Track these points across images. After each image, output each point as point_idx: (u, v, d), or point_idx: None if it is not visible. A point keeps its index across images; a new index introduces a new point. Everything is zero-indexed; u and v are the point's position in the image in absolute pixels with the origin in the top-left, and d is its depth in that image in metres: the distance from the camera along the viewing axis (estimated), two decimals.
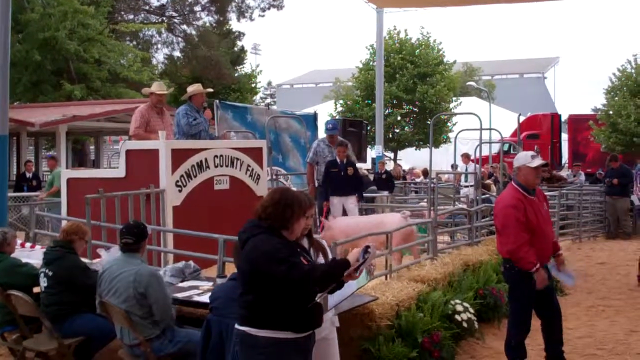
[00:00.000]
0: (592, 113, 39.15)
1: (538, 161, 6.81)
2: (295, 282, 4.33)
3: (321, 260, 5.24)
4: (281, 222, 4.54)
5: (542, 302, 6.99)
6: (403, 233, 9.87)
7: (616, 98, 30.29)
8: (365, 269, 4.64)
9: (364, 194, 15.47)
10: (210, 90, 12.63)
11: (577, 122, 34.50)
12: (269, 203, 4.60)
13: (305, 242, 5.10)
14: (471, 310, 8.21)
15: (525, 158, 6.87)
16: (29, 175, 18.26)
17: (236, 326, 4.58)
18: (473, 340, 8.31)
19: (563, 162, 35.63)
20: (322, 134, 22.04)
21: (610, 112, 30.06)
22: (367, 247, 4.67)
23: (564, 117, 38.95)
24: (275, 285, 4.37)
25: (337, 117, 35.42)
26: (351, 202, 12.16)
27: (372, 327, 6.83)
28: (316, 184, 12.41)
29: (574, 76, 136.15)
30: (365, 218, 11.60)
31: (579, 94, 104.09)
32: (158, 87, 11.12)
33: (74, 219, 8.98)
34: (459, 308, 8.05)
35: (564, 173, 25.89)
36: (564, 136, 37.11)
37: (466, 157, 21.33)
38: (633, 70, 30.56)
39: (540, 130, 35.34)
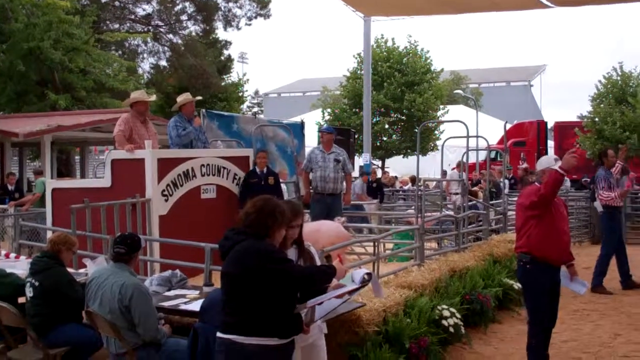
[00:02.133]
0: (578, 120, 39.27)
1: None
2: (296, 279, 4.47)
3: None
4: (264, 230, 4.57)
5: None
6: (338, 239, 9.49)
7: (602, 105, 30.35)
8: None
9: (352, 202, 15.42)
10: (200, 98, 12.60)
11: (563, 129, 34.64)
12: (252, 210, 4.63)
13: (291, 253, 5.11)
14: (458, 315, 8.23)
15: (549, 161, 7.16)
16: (11, 187, 18.13)
17: (220, 334, 4.55)
18: (460, 346, 8.33)
19: None
20: (309, 142, 22.08)
21: (596, 119, 30.12)
22: (368, 273, 4.71)
23: (550, 125, 39.11)
24: (267, 285, 4.40)
25: (325, 126, 35.47)
26: None
27: (359, 333, 6.82)
28: (311, 191, 12.34)
29: (560, 84, 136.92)
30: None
31: (565, 101, 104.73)
32: (141, 95, 11.06)
33: (59, 229, 8.95)
34: (446, 313, 8.07)
35: None
36: (550, 143, 37.25)
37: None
38: (619, 78, 30.65)
39: (527, 137, 35.50)
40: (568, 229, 7.20)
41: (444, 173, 19.78)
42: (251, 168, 11.75)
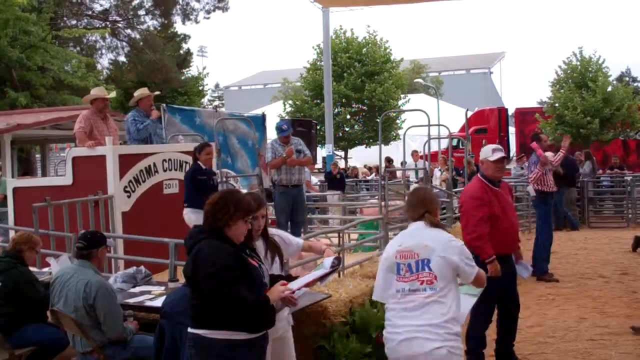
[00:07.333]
0: (539, 106, 39.64)
1: (497, 155, 6.92)
2: (222, 300, 4.29)
3: (277, 262, 5.26)
4: (217, 222, 4.51)
5: (504, 295, 6.98)
6: None
7: (562, 90, 30.64)
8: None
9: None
10: (158, 93, 12.49)
11: (524, 116, 34.93)
12: (209, 202, 4.62)
13: (259, 244, 5.13)
14: None
15: (487, 152, 7.00)
16: None
17: (189, 330, 4.54)
18: None
19: (511, 155, 36.11)
20: (271, 134, 22.02)
21: (557, 105, 30.40)
22: (337, 258, 4.72)
23: (510, 111, 39.43)
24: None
25: (286, 118, 35.41)
26: None
27: (326, 325, 6.83)
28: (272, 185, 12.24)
29: (520, 70, 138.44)
30: None
31: (525, 87, 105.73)
32: (101, 92, 10.97)
33: (21, 229, 8.86)
34: None
35: (512, 166, 26.19)
36: (512, 129, 37.56)
37: (416, 154, 21.41)
38: (578, 63, 30.96)
39: (488, 124, 35.79)
40: (514, 217, 7.19)
41: (404, 162, 19.87)
42: (194, 163, 10.02)
